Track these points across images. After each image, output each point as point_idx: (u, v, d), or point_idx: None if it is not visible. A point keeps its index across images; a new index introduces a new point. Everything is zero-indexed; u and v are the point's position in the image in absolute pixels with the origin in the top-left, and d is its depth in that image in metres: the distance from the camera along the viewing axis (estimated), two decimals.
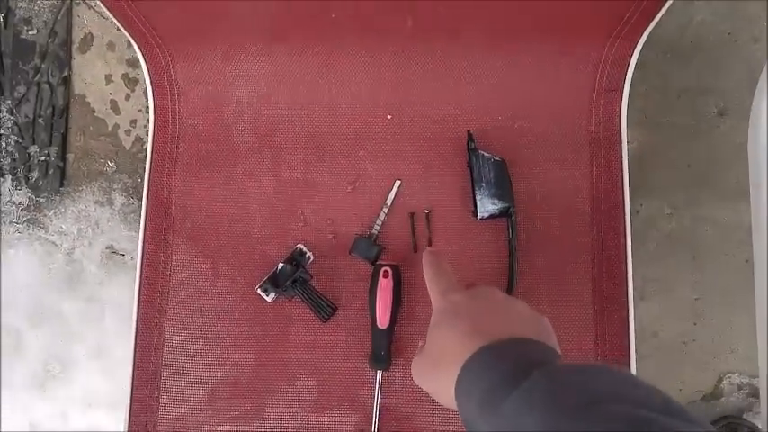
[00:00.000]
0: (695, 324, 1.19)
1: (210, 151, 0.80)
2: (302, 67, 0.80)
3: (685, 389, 1.21)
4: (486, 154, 0.75)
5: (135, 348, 0.76)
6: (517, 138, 0.78)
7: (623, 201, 0.76)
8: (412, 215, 0.77)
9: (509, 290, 0.75)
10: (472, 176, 0.75)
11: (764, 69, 0.69)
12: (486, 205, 0.74)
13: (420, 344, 0.52)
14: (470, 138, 0.76)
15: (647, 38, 0.74)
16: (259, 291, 0.75)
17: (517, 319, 0.44)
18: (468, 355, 0.40)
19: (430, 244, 0.77)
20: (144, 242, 0.78)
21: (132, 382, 0.76)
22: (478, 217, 0.75)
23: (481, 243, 0.77)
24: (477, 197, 0.74)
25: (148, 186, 0.80)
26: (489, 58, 0.78)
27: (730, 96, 1.20)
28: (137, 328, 0.76)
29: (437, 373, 0.44)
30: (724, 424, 1.17)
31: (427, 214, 0.77)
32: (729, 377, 1.20)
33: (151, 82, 0.81)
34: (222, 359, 0.76)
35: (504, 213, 0.75)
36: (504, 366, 0.37)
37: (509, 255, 0.75)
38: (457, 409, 0.41)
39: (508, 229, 0.75)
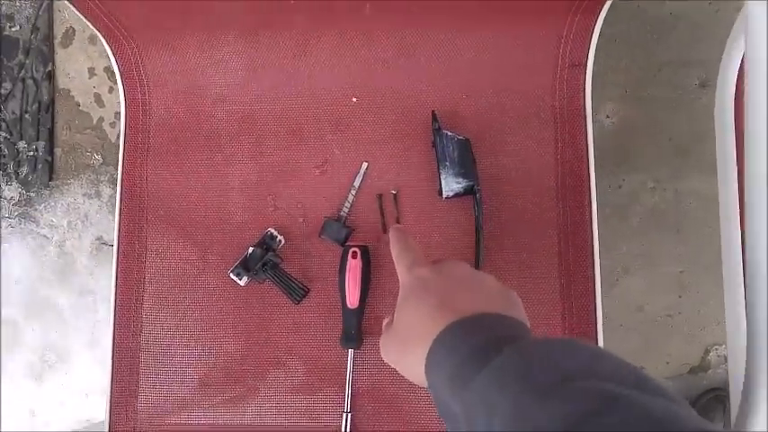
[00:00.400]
0: (680, 297, 1.20)
1: (182, 140, 0.81)
2: (274, 53, 0.80)
3: (672, 362, 1.21)
4: (449, 133, 0.75)
5: (114, 336, 0.78)
6: (482, 115, 0.78)
7: (588, 175, 0.76)
8: (380, 196, 0.78)
9: (476, 266, 0.76)
10: (437, 156, 0.76)
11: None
12: (451, 184, 0.75)
13: (385, 321, 0.53)
14: (434, 118, 0.76)
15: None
16: (231, 275, 0.77)
17: (486, 294, 0.44)
18: (437, 330, 0.40)
19: (398, 223, 0.78)
20: (119, 232, 0.80)
21: (112, 371, 0.78)
22: (444, 196, 0.76)
23: (449, 221, 0.77)
24: (442, 176, 0.75)
25: (122, 177, 0.81)
26: (452, 38, 0.78)
27: (712, 68, 1.19)
28: (114, 318, 0.78)
29: (406, 349, 0.44)
30: (711, 396, 1.18)
31: (395, 195, 0.78)
32: (716, 349, 1.21)
33: (120, 74, 0.82)
34: (201, 345, 0.78)
35: (468, 191, 0.75)
36: (475, 341, 0.37)
37: (475, 232, 0.76)
38: (426, 386, 0.41)
39: (474, 207, 0.76)
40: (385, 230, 0.78)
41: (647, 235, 1.19)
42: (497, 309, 0.41)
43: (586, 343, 0.36)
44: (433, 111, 0.77)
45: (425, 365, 0.41)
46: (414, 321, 0.44)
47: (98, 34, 0.80)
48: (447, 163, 0.75)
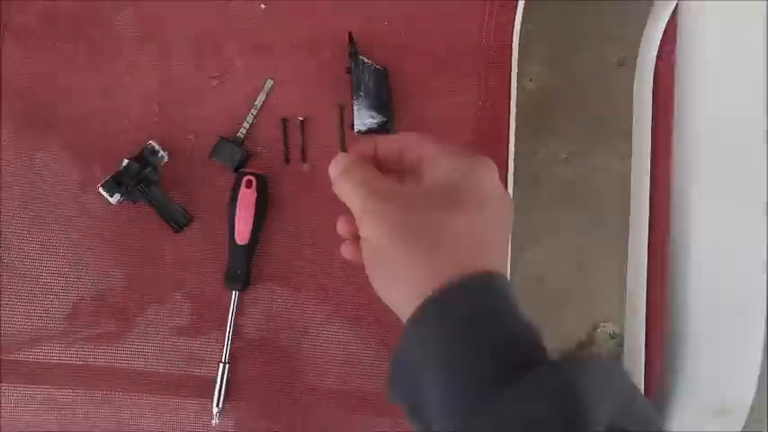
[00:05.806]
0: (578, 271, 1.21)
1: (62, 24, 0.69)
2: None
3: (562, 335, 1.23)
4: (367, 60, 0.68)
5: None
6: (402, 47, 0.71)
7: (508, 125, 0.72)
8: (284, 121, 0.70)
9: None
10: (351, 84, 0.69)
11: None
12: (364, 117, 0.68)
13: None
14: (351, 40, 0.69)
15: None
16: (101, 190, 0.66)
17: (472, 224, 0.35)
18: (415, 300, 0.33)
19: (303, 155, 0.70)
20: None
21: None
22: (355, 130, 0.69)
23: None
24: (355, 107, 0.68)
25: None
26: None
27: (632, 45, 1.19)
28: None
29: (389, 289, 0.36)
30: None
31: (302, 122, 0.70)
32: (603, 326, 1.24)
33: None
34: (69, 268, 0.68)
35: (382, 128, 0.69)
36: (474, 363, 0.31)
37: None
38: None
39: None
40: (288, 161, 0.70)
41: (557, 205, 1.19)
42: (480, 254, 0.34)
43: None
44: (349, 32, 0.69)
45: (406, 334, 0.33)
46: (397, 270, 0.34)
47: None
48: (362, 93, 0.68)
